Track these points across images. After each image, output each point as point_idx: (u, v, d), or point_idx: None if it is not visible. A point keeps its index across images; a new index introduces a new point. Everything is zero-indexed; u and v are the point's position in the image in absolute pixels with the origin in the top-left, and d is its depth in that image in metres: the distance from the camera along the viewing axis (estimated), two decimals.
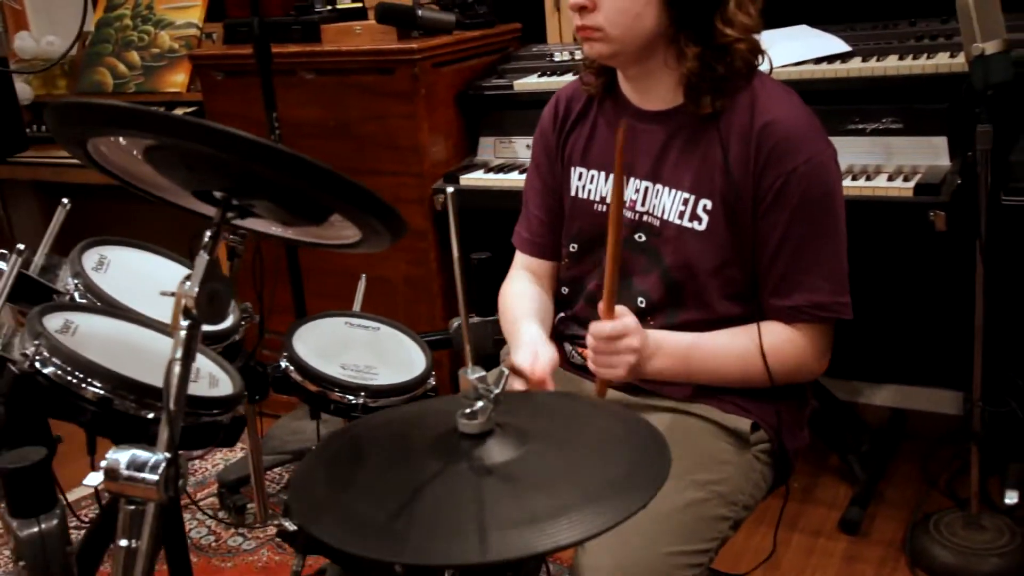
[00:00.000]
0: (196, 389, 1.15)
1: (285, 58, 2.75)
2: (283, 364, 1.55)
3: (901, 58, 2.25)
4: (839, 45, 2.35)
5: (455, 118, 2.79)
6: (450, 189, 0.93)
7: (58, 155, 3.49)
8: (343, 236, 0.95)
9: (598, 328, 1.33)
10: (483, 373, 0.91)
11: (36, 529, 0.89)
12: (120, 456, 0.88)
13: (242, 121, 2.97)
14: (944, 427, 2.73)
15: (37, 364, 1.04)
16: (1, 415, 1.12)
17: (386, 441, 0.97)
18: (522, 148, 2.72)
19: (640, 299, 1.49)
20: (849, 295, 1.40)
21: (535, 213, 1.68)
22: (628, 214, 1.50)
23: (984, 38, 1.88)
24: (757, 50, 1.42)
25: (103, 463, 0.88)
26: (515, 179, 2.57)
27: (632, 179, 1.50)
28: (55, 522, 0.91)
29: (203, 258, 0.89)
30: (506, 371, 0.97)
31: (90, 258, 1.39)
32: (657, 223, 1.47)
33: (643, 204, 1.49)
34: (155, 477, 0.86)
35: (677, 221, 1.44)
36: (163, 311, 1.38)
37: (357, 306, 1.83)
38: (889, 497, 2.48)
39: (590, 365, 1.36)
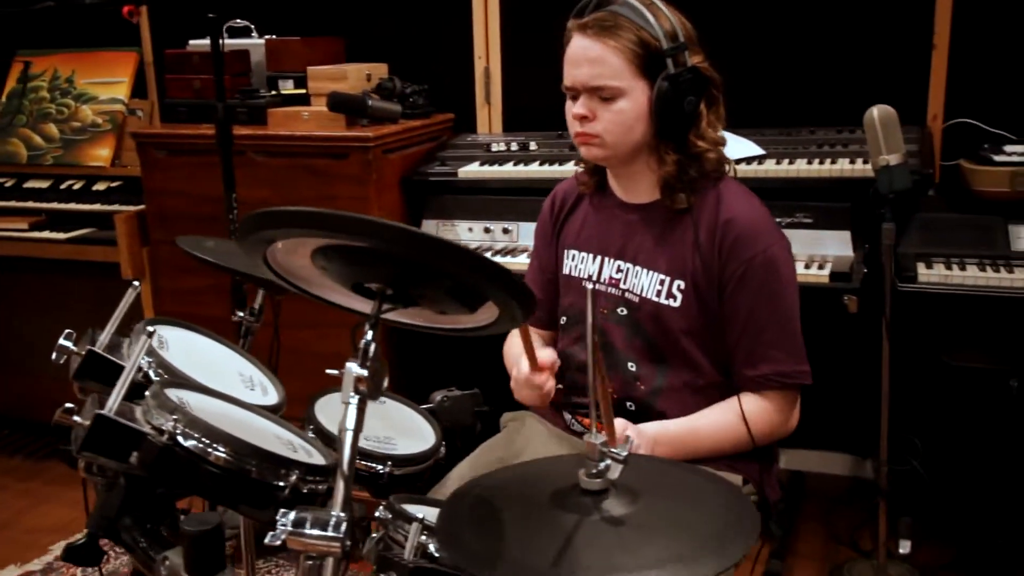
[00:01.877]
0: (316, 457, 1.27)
1: (236, 140, 2.84)
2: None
3: (809, 162, 2.60)
4: (755, 149, 2.70)
5: (399, 201, 2.96)
6: (589, 286, 1.10)
7: None
8: (478, 320, 1.11)
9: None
10: (605, 438, 1.08)
11: None
12: (305, 516, 1.00)
13: (184, 198, 3.04)
14: (841, 486, 3.07)
15: (179, 437, 1.13)
16: (122, 487, 1.21)
17: (511, 497, 1.13)
18: (464, 231, 2.92)
19: (630, 364, 1.70)
20: (807, 364, 1.66)
21: (537, 291, 1.90)
22: (612, 290, 1.73)
23: (888, 151, 2.24)
24: (723, 159, 1.69)
25: (284, 525, 0.99)
26: None
27: (616, 260, 1.73)
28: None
29: (369, 342, 1.04)
30: (630, 436, 1.13)
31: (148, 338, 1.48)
32: (636, 299, 1.70)
33: (625, 282, 1.72)
34: (339, 534, 0.99)
35: (655, 299, 1.68)
36: (224, 386, 1.49)
37: None
38: (801, 550, 2.77)
39: None
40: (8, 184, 3.56)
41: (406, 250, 0.96)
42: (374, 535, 1.28)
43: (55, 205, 3.39)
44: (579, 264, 1.79)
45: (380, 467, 1.68)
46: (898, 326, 2.35)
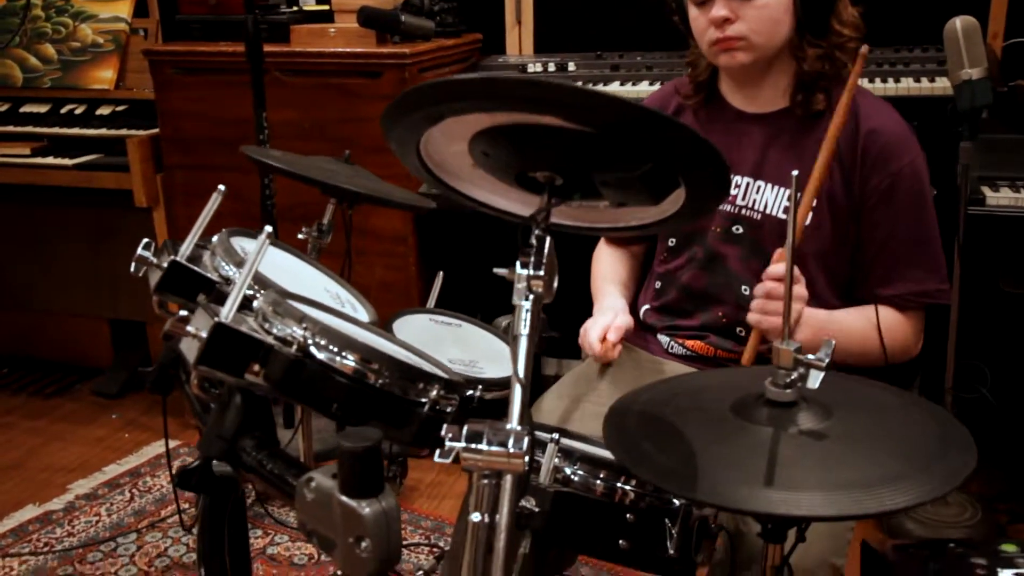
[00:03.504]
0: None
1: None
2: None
3: (871, 81, 2.49)
4: None
5: None
6: None
7: None
8: (657, 213, 0.98)
9: (776, 268, 1.40)
10: (799, 345, 0.98)
11: (380, 507, 0.88)
12: (480, 430, 0.88)
13: (203, 120, 2.86)
14: None
15: (311, 347, 1.01)
16: (238, 405, 1.08)
17: (681, 411, 1.02)
18: None
19: (744, 287, 1.59)
20: (948, 282, 1.56)
21: None
22: (727, 207, 1.61)
23: (971, 64, 2.14)
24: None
25: (455, 440, 0.88)
26: None
27: (734, 175, 1.60)
28: (393, 500, 0.89)
29: (543, 239, 0.92)
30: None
31: (238, 248, 1.34)
32: (758, 216, 1.58)
33: (743, 199, 1.60)
34: (520, 449, 0.88)
35: (781, 216, 1.56)
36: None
37: (432, 303, 1.83)
38: None
39: (751, 316, 1.43)
40: (3, 108, 3.34)
41: (622, 126, 0.82)
42: None
43: (57, 130, 3.18)
44: None
45: (470, 391, 1.58)
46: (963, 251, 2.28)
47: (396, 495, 2.82)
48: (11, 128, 3.25)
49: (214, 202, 1.31)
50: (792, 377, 0.96)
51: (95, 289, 3.40)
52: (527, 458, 0.89)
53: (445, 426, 0.90)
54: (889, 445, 0.93)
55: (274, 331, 1.04)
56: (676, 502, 1.09)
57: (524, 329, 0.91)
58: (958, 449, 0.91)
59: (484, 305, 1.89)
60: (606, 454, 1.10)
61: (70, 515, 2.68)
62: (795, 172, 0.98)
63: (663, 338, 1.69)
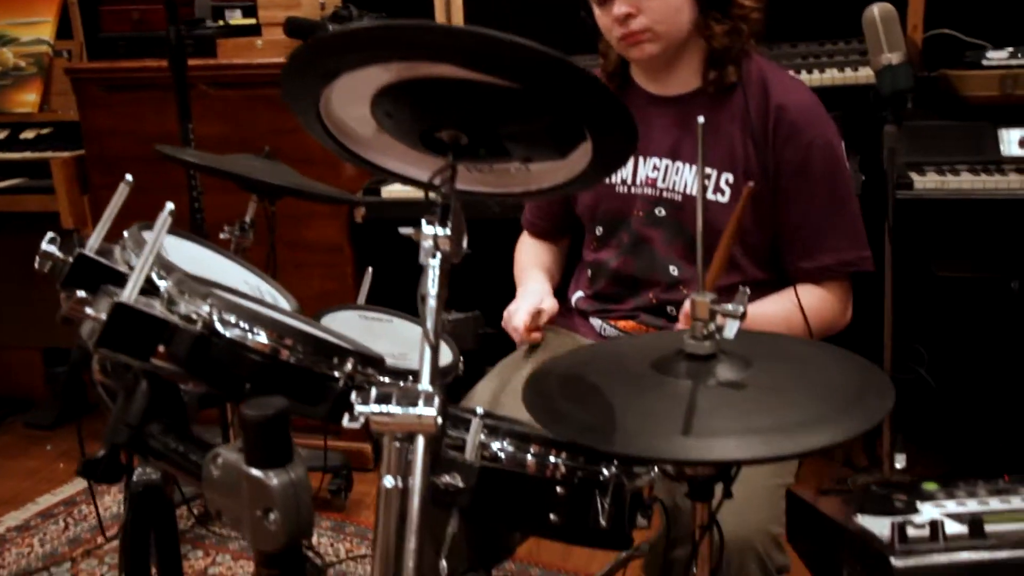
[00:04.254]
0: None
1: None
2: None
3: (796, 72, 2.52)
4: None
5: None
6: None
7: None
8: (566, 171, 0.97)
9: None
10: (715, 296, 0.96)
11: (288, 477, 0.84)
12: (389, 391, 0.86)
13: (129, 138, 2.81)
14: None
15: (217, 324, 0.97)
16: (144, 391, 1.04)
17: (601, 371, 1.00)
18: None
19: (672, 268, 1.59)
20: (869, 249, 1.57)
21: (536, 201, 1.77)
22: (648, 190, 1.61)
23: (890, 49, 2.17)
24: (762, 21, 1.58)
25: (364, 404, 0.85)
26: None
27: (650, 158, 1.60)
28: (302, 470, 0.86)
29: (449, 201, 0.90)
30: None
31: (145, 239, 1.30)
32: (679, 198, 1.58)
33: (663, 181, 1.60)
34: (432, 410, 0.85)
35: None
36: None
37: (362, 299, 1.80)
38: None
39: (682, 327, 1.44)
40: None
41: (524, 72, 0.80)
42: None
43: None
44: None
45: (402, 383, 1.55)
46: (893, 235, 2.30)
47: (342, 510, 2.73)
48: None
49: (121, 193, 1.26)
50: (709, 329, 0.95)
51: (26, 319, 3.30)
52: (439, 419, 0.86)
53: (354, 392, 0.87)
54: (808, 391, 0.92)
55: (179, 311, 1.01)
56: (606, 473, 1.07)
57: (432, 288, 0.89)
58: (876, 392, 0.90)
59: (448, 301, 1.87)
60: (534, 431, 1.08)
61: (0, 548, 2.58)
62: (701, 118, 0.97)
63: (595, 321, 1.68)
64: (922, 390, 2.39)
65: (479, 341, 1.92)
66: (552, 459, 1.08)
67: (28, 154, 3.04)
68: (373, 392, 0.86)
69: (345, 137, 1.01)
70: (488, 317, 1.77)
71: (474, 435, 1.10)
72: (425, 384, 0.87)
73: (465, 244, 0.93)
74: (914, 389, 2.40)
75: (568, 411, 0.93)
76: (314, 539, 2.57)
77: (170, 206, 1.05)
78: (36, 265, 1.25)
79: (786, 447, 0.81)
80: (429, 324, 0.88)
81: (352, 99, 0.93)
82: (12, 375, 3.43)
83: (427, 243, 0.90)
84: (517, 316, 1.60)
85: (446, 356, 1.68)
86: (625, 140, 0.90)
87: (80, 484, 2.88)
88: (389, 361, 1.60)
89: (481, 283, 2.06)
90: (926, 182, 2.38)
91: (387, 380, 1.13)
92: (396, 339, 1.70)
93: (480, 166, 1.01)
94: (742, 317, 0.95)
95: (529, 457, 1.09)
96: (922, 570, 0.69)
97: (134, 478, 1.39)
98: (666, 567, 1.32)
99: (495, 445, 1.11)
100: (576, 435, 0.88)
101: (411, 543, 0.84)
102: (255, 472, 0.85)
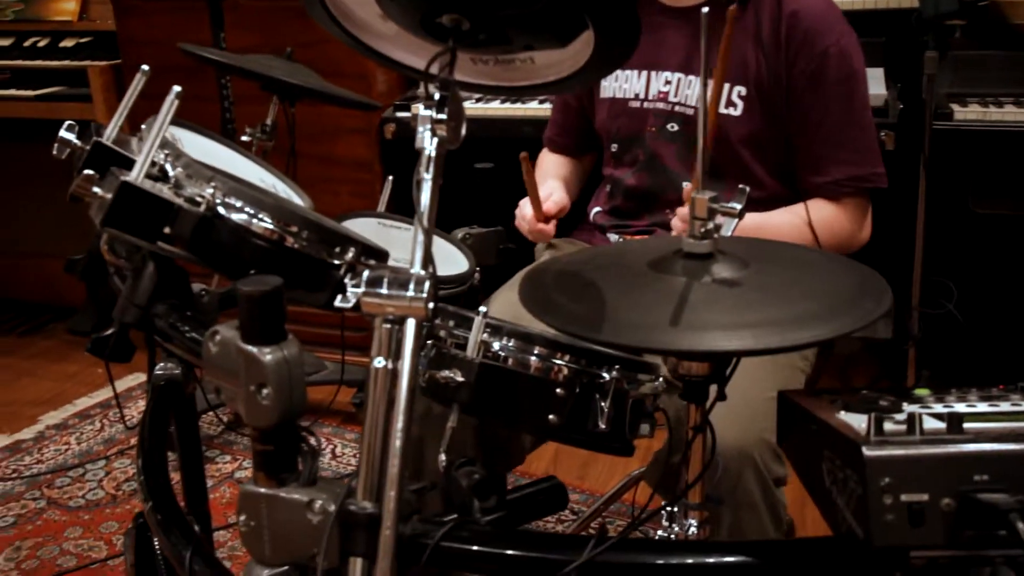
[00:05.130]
0: None
1: None
2: None
3: None
4: None
5: None
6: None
7: None
8: (568, 62, 0.96)
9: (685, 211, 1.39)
10: (715, 194, 0.95)
11: (282, 354, 0.86)
12: (381, 274, 0.86)
13: (162, 48, 2.80)
14: (855, 343, 3.00)
15: (219, 207, 0.98)
16: (152, 272, 1.06)
17: (600, 268, 1.00)
18: None
19: (685, 184, 1.57)
20: (883, 165, 1.54)
21: (555, 116, 1.78)
22: (660, 105, 1.59)
23: None
24: None
25: (356, 286, 0.86)
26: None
27: (662, 72, 1.58)
28: (296, 349, 0.88)
29: (446, 88, 0.89)
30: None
31: (167, 133, 1.31)
32: (691, 111, 1.56)
33: (675, 95, 1.58)
34: (422, 293, 0.86)
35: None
36: None
37: (382, 207, 1.81)
38: None
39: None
40: None
41: None
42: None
43: (20, 62, 3.14)
44: (622, 84, 1.64)
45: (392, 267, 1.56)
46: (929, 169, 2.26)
47: None
48: None
49: (138, 83, 1.28)
50: (708, 227, 0.94)
51: (66, 227, 3.37)
52: (430, 304, 0.87)
53: (348, 275, 0.88)
54: (803, 291, 0.91)
55: (184, 193, 1.02)
56: (606, 376, 1.08)
57: (428, 173, 0.89)
58: (873, 294, 0.89)
59: (447, 221, 1.88)
60: (537, 333, 1.08)
61: (39, 444, 2.68)
62: (705, 9, 0.94)
63: (612, 236, 1.68)
64: (950, 326, 2.35)
65: (500, 256, 1.93)
66: (553, 360, 1.08)
67: (67, 62, 3.08)
68: (365, 275, 0.87)
69: (350, 23, 1.01)
70: (512, 235, 1.77)
71: (476, 332, 1.11)
72: (416, 268, 0.88)
73: (464, 131, 0.93)
74: (942, 325, 2.37)
75: (560, 303, 0.93)
76: (338, 449, 2.63)
77: (176, 88, 1.06)
78: (55, 151, 1.27)
79: (771, 341, 0.81)
80: (424, 208, 0.89)
81: None
82: (53, 283, 3.51)
83: (424, 127, 0.89)
84: (526, 205, 1.60)
85: (461, 264, 1.68)
86: (626, 29, 0.88)
87: (117, 388, 2.96)
88: (401, 265, 1.62)
89: (506, 201, 2.05)
90: (967, 113, 2.31)
91: None
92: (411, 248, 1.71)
93: (485, 57, 1.00)
94: (740, 215, 0.94)
95: (530, 358, 1.10)
96: (894, 460, 0.69)
97: (156, 371, 1.43)
98: (665, 475, 1.33)
99: (497, 344, 1.12)
100: (564, 324, 0.88)
101: (398, 423, 0.86)
102: (250, 348, 0.87)
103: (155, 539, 1.25)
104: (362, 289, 0.86)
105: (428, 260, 0.89)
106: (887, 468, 0.69)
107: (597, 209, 1.73)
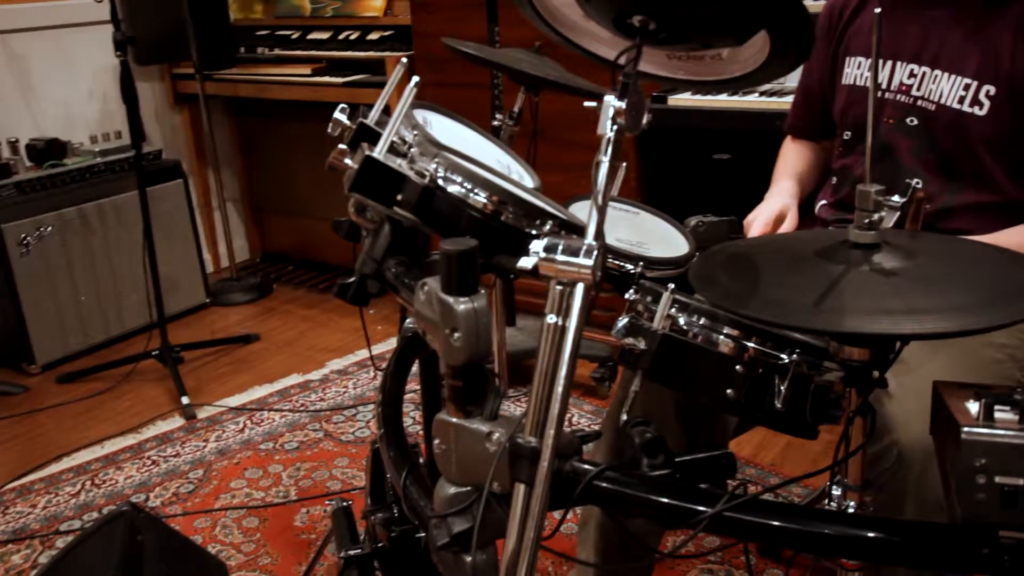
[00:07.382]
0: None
1: None
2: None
3: None
4: None
5: None
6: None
7: (259, 72, 3.70)
8: (746, 60, 1.04)
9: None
10: (882, 187, 0.99)
11: (472, 305, 1.02)
12: (557, 242, 1.00)
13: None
14: None
15: (440, 180, 1.17)
16: (387, 232, 1.27)
17: (769, 252, 1.08)
18: None
19: (916, 181, 1.54)
20: None
21: (797, 101, 1.82)
22: (901, 98, 1.56)
23: None
24: None
25: (536, 250, 1.00)
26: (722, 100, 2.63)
27: (910, 64, 1.55)
28: (484, 302, 1.04)
29: (630, 75, 1.00)
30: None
31: (417, 116, 1.52)
32: (932, 107, 1.52)
33: (918, 88, 1.54)
34: (590, 261, 0.98)
35: (956, 106, 1.49)
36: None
37: (615, 191, 1.93)
38: None
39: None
40: (294, 36, 3.81)
41: None
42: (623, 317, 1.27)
43: (333, 53, 3.60)
44: (865, 72, 1.63)
45: (631, 266, 1.66)
46: None
47: (605, 398, 2.91)
48: (299, 52, 3.71)
49: (398, 72, 1.49)
50: (873, 218, 0.98)
51: None
52: (597, 272, 0.99)
53: (534, 241, 1.02)
54: (959, 284, 0.93)
55: (415, 167, 1.21)
56: (785, 359, 1.14)
57: (606, 156, 1.01)
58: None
59: (683, 210, 1.97)
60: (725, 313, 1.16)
61: (324, 384, 3.09)
62: (877, 10, 0.97)
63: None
64: None
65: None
66: (736, 339, 1.16)
67: (371, 53, 3.48)
68: (544, 241, 1.00)
69: (555, 21, 1.14)
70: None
71: (663, 306, 1.21)
72: (589, 239, 1.00)
73: (645, 120, 1.03)
74: None
75: (720, 279, 1.01)
76: (575, 419, 2.80)
77: (416, 79, 1.25)
78: (329, 129, 1.52)
79: (905, 327, 0.85)
80: (600, 187, 1.01)
81: None
82: (349, 245, 3.99)
83: (607, 114, 1.01)
84: (756, 224, 1.64)
85: (682, 248, 1.78)
86: (799, 28, 0.95)
87: (391, 344, 3.34)
88: (624, 246, 1.74)
89: (742, 192, 2.10)
90: None
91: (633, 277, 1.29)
92: (637, 229, 1.82)
93: (679, 54, 1.10)
94: (902, 208, 0.97)
95: (714, 334, 1.19)
96: (991, 444, 0.72)
97: (405, 324, 1.66)
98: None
99: (683, 319, 1.22)
100: (716, 298, 0.97)
101: (561, 372, 0.99)
102: (447, 297, 1.03)
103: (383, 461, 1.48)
104: (540, 253, 1.00)
105: (600, 233, 1.01)
106: (983, 450, 0.72)
107: (823, 202, 1.74)
